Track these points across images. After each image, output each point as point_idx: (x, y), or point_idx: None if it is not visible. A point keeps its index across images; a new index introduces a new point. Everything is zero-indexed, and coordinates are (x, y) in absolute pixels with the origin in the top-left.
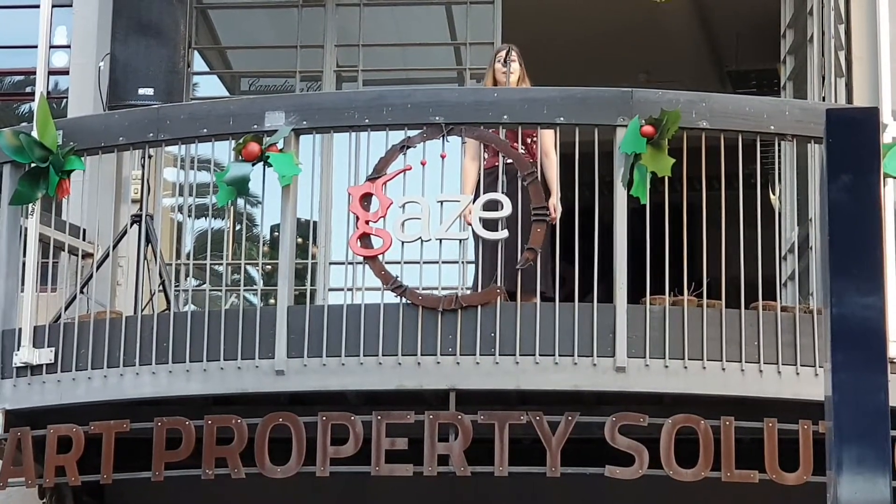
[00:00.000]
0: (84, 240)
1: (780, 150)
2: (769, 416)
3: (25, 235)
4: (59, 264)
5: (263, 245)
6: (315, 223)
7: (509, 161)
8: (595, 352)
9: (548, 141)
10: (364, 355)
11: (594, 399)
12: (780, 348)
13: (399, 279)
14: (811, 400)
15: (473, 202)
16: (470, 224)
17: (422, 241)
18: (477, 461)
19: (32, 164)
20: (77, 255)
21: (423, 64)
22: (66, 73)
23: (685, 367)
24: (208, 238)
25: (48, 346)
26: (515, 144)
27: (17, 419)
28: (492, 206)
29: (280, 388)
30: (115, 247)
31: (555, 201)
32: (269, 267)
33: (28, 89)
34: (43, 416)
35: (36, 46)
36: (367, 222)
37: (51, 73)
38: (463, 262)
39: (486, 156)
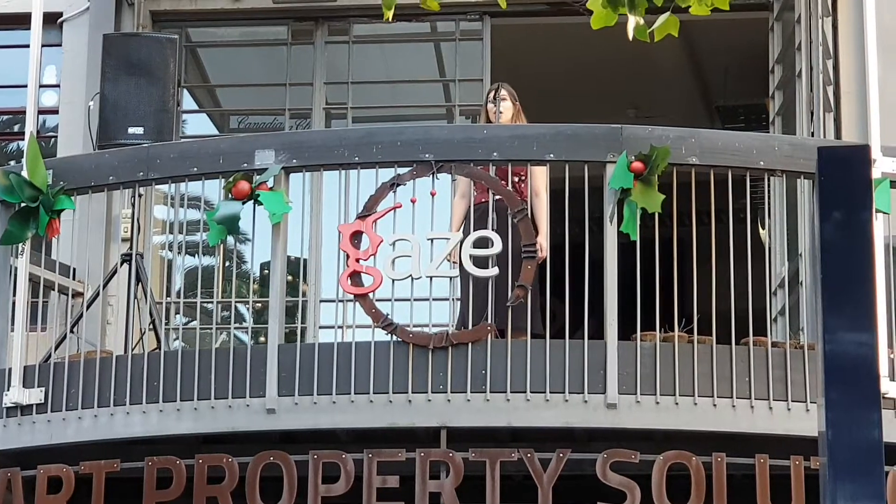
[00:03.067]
0: (74, 279)
1: (769, 186)
2: (761, 452)
3: (15, 275)
4: (49, 304)
5: (253, 283)
6: (305, 261)
7: (499, 198)
8: (586, 388)
9: (539, 181)
10: (355, 393)
11: (585, 436)
12: (771, 384)
13: (389, 317)
14: (803, 436)
15: (462, 240)
16: (455, 263)
17: (412, 278)
18: (468, 499)
19: (22, 204)
20: (67, 295)
21: (413, 101)
22: (56, 112)
23: (676, 404)
24: (198, 276)
25: (38, 386)
26: (504, 182)
27: (7, 460)
28: (482, 243)
29: (271, 426)
30: (105, 286)
31: (542, 241)
32: (260, 305)
33: (16, 128)
34: (33, 456)
35: (25, 86)
36: (357, 260)
37: (40, 112)
38: (453, 300)
39: (476, 192)
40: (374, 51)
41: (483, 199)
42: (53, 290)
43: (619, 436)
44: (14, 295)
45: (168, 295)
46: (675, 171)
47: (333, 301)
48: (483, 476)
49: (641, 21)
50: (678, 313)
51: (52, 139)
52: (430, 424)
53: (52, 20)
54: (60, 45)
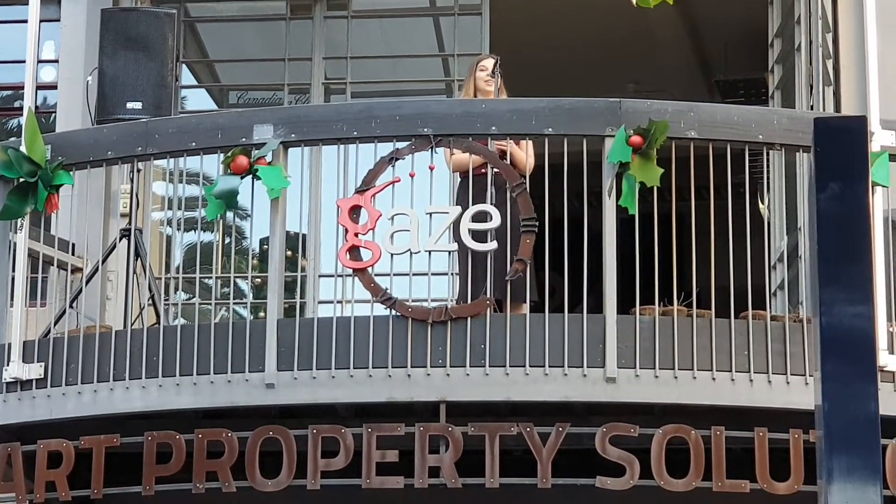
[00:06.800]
0: (73, 254)
1: (768, 160)
2: (760, 425)
3: (14, 250)
4: (49, 279)
5: (253, 258)
6: (304, 236)
7: (497, 171)
8: (585, 362)
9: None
10: (354, 368)
11: (585, 410)
12: (771, 357)
13: (388, 291)
14: (802, 409)
15: (462, 214)
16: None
17: (411, 252)
18: (468, 473)
19: (21, 179)
20: (66, 270)
21: (412, 76)
22: (55, 87)
23: (675, 377)
24: (198, 251)
25: (38, 361)
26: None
27: (7, 434)
28: (481, 217)
29: (270, 401)
30: (104, 261)
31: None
32: (259, 280)
33: (16, 104)
34: (33, 431)
35: (23, 61)
36: (356, 234)
37: (39, 87)
38: (452, 274)
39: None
40: (372, 25)
41: (483, 171)
42: (53, 265)
43: (619, 409)
44: (13, 270)
45: (167, 270)
46: (673, 144)
47: (332, 276)
48: (482, 450)
49: None
50: (677, 287)
51: (51, 115)
52: (430, 398)
53: None
54: (59, 21)
